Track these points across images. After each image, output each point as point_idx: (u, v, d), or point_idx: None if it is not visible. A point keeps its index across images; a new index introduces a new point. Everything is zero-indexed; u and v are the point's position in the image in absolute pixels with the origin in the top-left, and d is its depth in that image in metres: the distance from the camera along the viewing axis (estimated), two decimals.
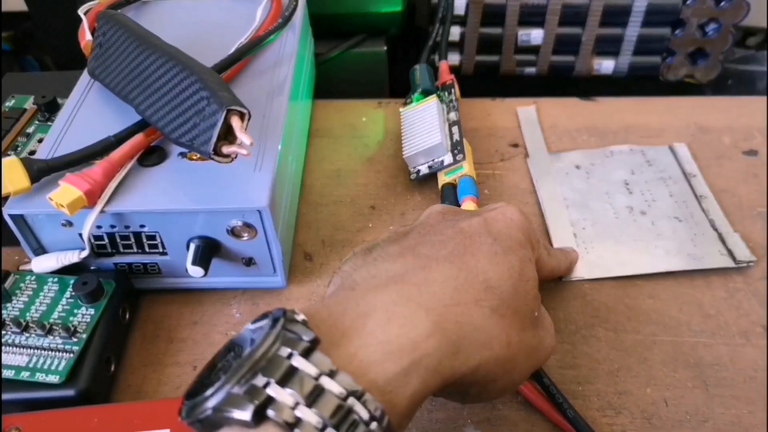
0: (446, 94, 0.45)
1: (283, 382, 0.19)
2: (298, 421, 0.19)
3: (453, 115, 0.43)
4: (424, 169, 0.42)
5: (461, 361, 0.23)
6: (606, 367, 0.33)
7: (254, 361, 0.19)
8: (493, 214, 0.28)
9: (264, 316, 0.22)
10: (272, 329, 0.20)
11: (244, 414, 0.19)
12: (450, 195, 0.39)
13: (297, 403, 0.19)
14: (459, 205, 0.38)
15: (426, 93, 0.46)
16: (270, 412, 0.19)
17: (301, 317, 0.21)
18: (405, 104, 0.47)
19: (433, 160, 0.41)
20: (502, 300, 0.25)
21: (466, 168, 0.40)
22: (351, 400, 0.19)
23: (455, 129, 0.42)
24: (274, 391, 0.19)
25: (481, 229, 0.27)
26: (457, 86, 0.46)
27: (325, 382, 0.19)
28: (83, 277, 0.33)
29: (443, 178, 0.41)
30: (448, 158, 0.41)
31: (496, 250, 0.26)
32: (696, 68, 0.54)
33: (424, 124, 0.42)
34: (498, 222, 0.28)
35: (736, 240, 0.38)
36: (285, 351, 0.20)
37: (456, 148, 0.41)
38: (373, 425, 0.19)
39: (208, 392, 0.19)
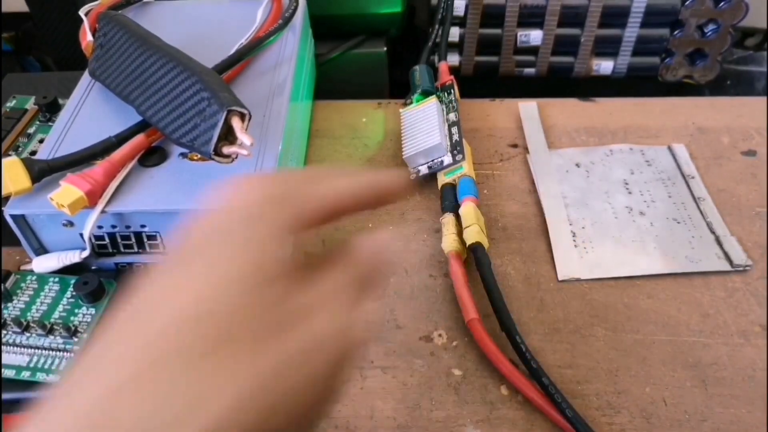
0: (446, 94, 0.45)
1: None
2: None
3: (452, 116, 0.43)
4: (423, 170, 0.42)
5: None
6: (605, 367, 0.33)
7: None
8: (192, 235, 0.19)
9: None
10: None
11: None
12: (449, 195, 0.40)
13: None
14: (458, 206, 0.39)
15: (426, 93, 0.46)
16: None
17: None
18: (405, 105, 0.47)
19: (432, 161, 0.41)
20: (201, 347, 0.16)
21: (466, 168, 0.40)
22: None
23: (455, 129, 0.42)
24: None
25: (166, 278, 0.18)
26: (456, 87, 0.46)
27: None
28: (84, 277, 0.33)
29: (443, 179, 0.41)
30: (447, 159, 0.41)
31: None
32: (695, 69, 0.54)
33: (423, 125, 0.43)
34: (201, 245, 0.18)
35: (732, 243, 0.38)
36: None
37: (455, 148, 0.41)
38: None
39: None
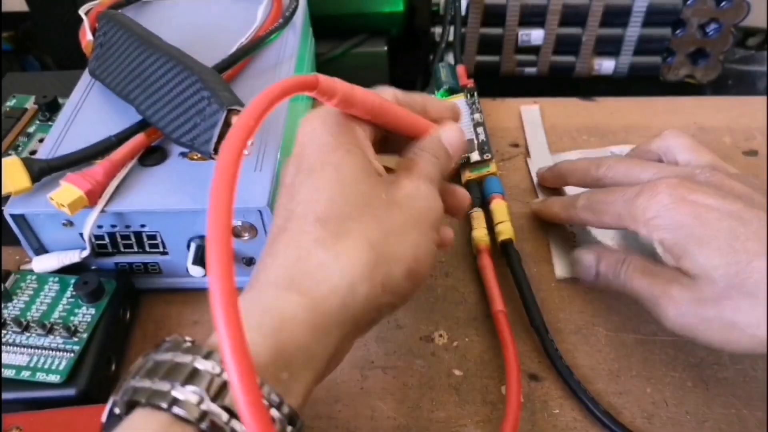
0: (469, 95, 0.46)
1: (145, 375, 0.21)
2: (175, 401, 0.20)
3: (478, 116, 0.44)
4: None
5: (327, 298, 0.23)
6: (606, 367, 0.33)
7: (134, 370, 0.21)
8: (298, 145, 0.27)
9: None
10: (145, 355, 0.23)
11: (116, 410, 0.21)
12: (476, 191, 0.40)
13: (172, 387, 0.20)
14: (484, 202, 0.39)
15: (451, 91, 0.46)
16: (135, 398, 0.20)
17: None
18: None
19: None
20: (340, 219, 0.25)
21: (492, 167, 0.41)
22: (199, 362, 0.21)
23: (480, 129, 0.43)
24: (137, 383, 0.21)
25: (294, 170, 0.27)
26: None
27: (178, 357, 0.21)
28: (84, 277, 0.33)
29: (467, 175, 0.41)
30: (475, 155, 0.41)
31: (309, 179, 0.26)
32: (696, 68, 0.54)
33: None
34: (304, 147, 0.27)
35: None
36: (150, 357, 0.22)
37: (483, 147, 0.42)
38: (225, 375, 0.20)
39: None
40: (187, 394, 0.20)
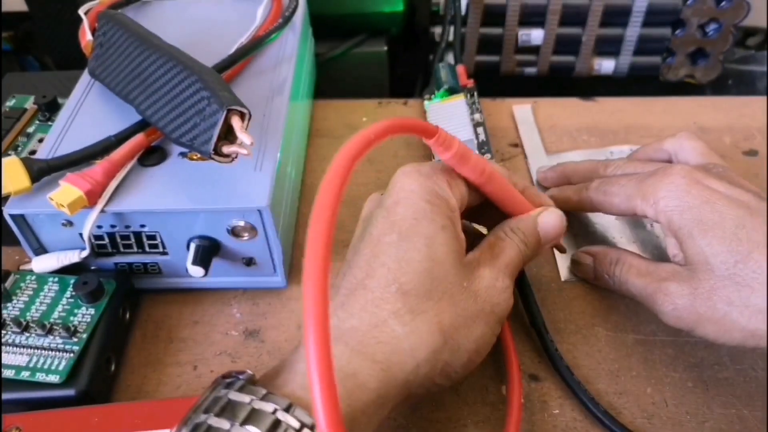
0: (469, 96, 0.46)
1: (220, 414, 0.21)
2: None
3: (477, 116, 0.44)
4: None
5: (395, 372, 0.24)
6: (606, 367, 0.33)
7: (197, 406, 0.23)
8: (392, 197, 0.28)
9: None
10: (214, 383, 0.24)
11: None
12: None
13: (232, 425, 0.21)
14: None
15: (452, 91, 0.46)
16: None
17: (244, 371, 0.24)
18: (429, 99, 0.48)
19: None
20: (420, 296, 0.26)
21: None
22: (281, 414, 0.21)
23: (480, 129, 0.43)
24: (212, 421, 0.21)
25: (385, 227, 0.27)
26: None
27: (258, 404, 0.22)
28: (83, 277, 0.33)
29: None
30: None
31: (399, 243, 0.26)
32: (696, 68, 0.54)
33: (453, 120, 0.43)
34: (398, 205, 0.27)
35: None
36: (223, 392, 0.23)
37: (483, 147, 0.42)
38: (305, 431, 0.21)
39: None
40: None
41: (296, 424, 0.21)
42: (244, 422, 0.21)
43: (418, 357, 0.25)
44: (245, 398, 0.22)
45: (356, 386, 0.23)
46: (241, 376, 0.23)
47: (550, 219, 0.31)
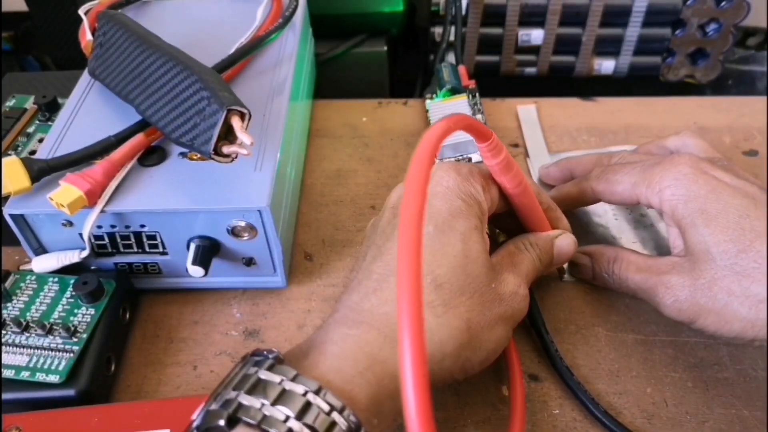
0: (471, 96, 0.46)
1: (251, 392, 0.22)
2: (264, 418, 0.21)
3: (479, 117, 0.44)
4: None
5: (429, 365, 0.24)
6: (606, 367, 0.33)
7: (227, 382, 0.23)
8: (432, 191, 0.28)
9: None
10: (243, 360, 0.24)
11: (221, 421, 0.21)
12: None
13: (263, 404, 0.21)
14: None
15: (454, 91, 0.46)
16: (241, 416, 0.21)
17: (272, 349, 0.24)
18: (431, 98, 0.48)
19: (462, 156, 0.42)
20: (453, 291, 0.26)
21: None
22: (311, 396, 0.22)
23: None
24: (243, 398, 0.22)
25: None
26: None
27: (288, 385, 0.22)
28: (83, 277, 0.33)
29: None
30: (476, 156, 0.41)
31: (435, 236, 0.27)
32: (696, 68, 0.54)
33: None
34: (435, 198, 0.28)
35: None
36: (252, 369, 0.23)
37: None
38: (335, 415, 0.22)
39: (194, 416, 0.23)
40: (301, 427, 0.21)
41: (326, 408, 0.21)
42: (275, 402, 0.21)
43: (445, 350, 0.25)
44: (275, 378, 0.22)
45: (385, 374, 0.24)
46: (270, 355, 0.23)
47: (565, 243, 0.32)
